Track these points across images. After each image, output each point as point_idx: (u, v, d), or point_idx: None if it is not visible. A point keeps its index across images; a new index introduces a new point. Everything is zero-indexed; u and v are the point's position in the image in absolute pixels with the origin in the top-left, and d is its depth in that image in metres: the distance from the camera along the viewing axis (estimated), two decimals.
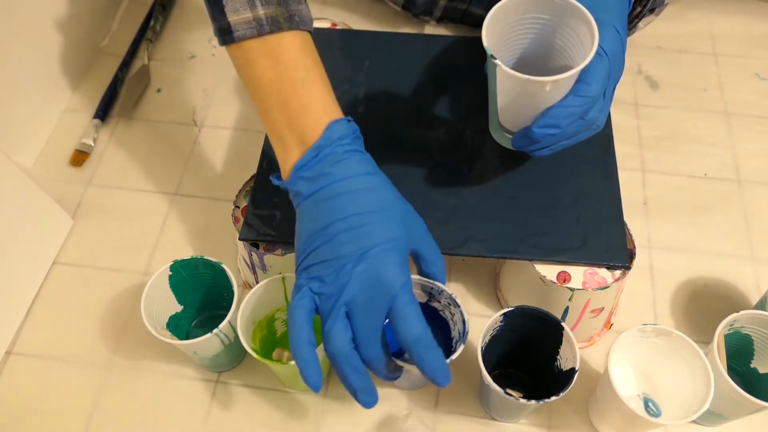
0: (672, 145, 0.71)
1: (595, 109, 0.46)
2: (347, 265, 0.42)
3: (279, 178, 0.47)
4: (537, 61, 0.49)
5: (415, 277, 0.47)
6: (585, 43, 0.45)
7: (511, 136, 0.50)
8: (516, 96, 0.46)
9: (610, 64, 0.45)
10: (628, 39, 0.78)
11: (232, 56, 0.47)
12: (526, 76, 0.43)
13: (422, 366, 0.42)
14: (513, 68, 0.44)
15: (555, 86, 0.44)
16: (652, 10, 0.62)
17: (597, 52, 0.45)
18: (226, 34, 0.45)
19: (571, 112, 0.45)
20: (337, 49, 0.65)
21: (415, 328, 0.42)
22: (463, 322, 0.48)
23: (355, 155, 0.45)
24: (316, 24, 0.67)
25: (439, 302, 0.51)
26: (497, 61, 0.44)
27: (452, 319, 0.51)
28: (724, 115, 0.74)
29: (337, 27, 0.69)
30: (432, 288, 0.49)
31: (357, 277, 0.42)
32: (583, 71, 0.45)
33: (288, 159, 0.45)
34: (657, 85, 0.76)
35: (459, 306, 0.48)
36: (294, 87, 0.45)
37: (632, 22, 0.61)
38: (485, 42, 0.44)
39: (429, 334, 0.42)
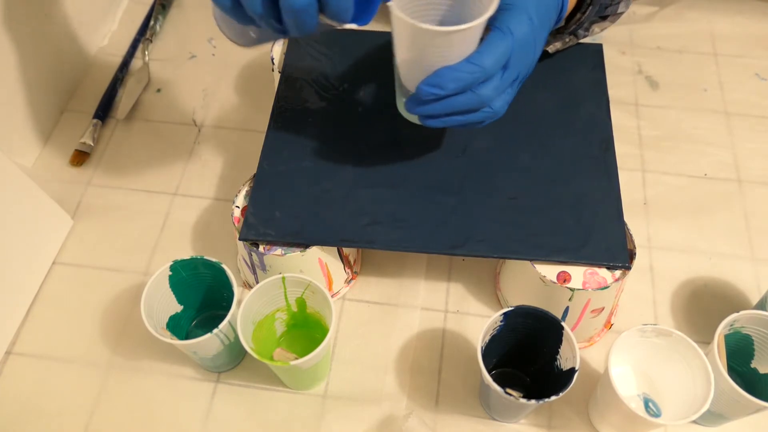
0: (672, 145, 0.71)
1: (489, 86, 0.46)
2: None
3: None
4: None
5: None
6: (485, 11, 0.44)
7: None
8: (410, 51, 0.46)
9: (513, 45, 0.45)
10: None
11: None
12: (413, 22, 0.42)
13: None
14: None
15: (443, 41, 0.44)
16: (604, 18, 0.61)
17: (501, 29, 0.45)
18: None
19: (459, 77, 0.45)
20: (337, 49, 0.65)
21: None
22: None
23: None
24: None
25: None
26: (391, 4, 0.43)
27: None
28: (724, 115, 0.74)
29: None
30: None
31: None
32: (482, 43, 0.45)
33: None
34: (657, 85, 0.76)
35: None
36: None
37: (572, 27, 0.60)
38: None
39: None
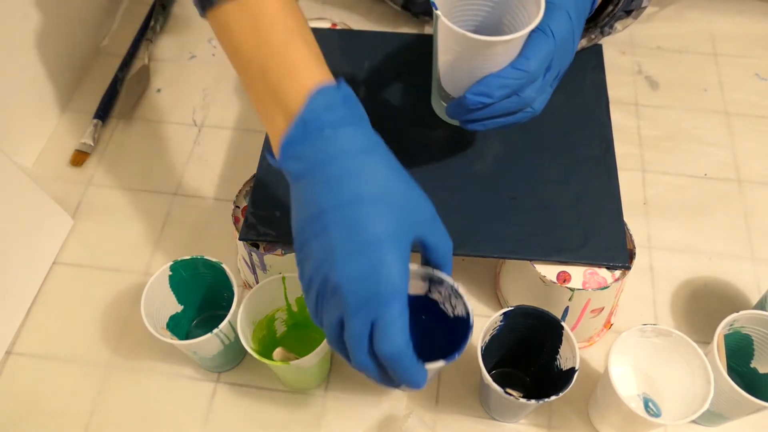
0: (672, 145, 0.71)
1: (532, 87, 0.46)
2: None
3: (273, 156, 0.42)
4: None
5: (413, 266, 0.43)
6: (532, 18, 0.44)
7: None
8: (456, 57, 0.46)
9: (555, 46, 0.45)
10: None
11: (212, 25, 0.43)
12: (463, 32, 0.42)
13: (397, 378, 0.39)
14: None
15: (492, 51, 0.44)
16: (628, 12, 0.61)
17: (543, 31, 0.45)
18: (205, 1, 0.42)
19: (506, 84, 0.45)
20: (337, 49, 0.64)
21: (395, 342, 0.37)
22: (467, 314, 0.43)
23: (347, 130, 0.39)
24: (316, 24, 0.67)
25: (440, 293, 0.46)
26: (439, 12, 0.43)
27: (453, 312, 0.47)
28: (724, 115, 0.74)
29: (337, 27, 0.69)
30: (432, 277, 0.45)
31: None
32: (526, 46, 0.45)
33: (275, 133, 0.41)
34: (657, 85, 0.76)
35: (461, 297, 0.44)
36: (274, 51, 0.41)
37: (604, 20, 0.60)
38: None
39: (410, 350, 0.38)
